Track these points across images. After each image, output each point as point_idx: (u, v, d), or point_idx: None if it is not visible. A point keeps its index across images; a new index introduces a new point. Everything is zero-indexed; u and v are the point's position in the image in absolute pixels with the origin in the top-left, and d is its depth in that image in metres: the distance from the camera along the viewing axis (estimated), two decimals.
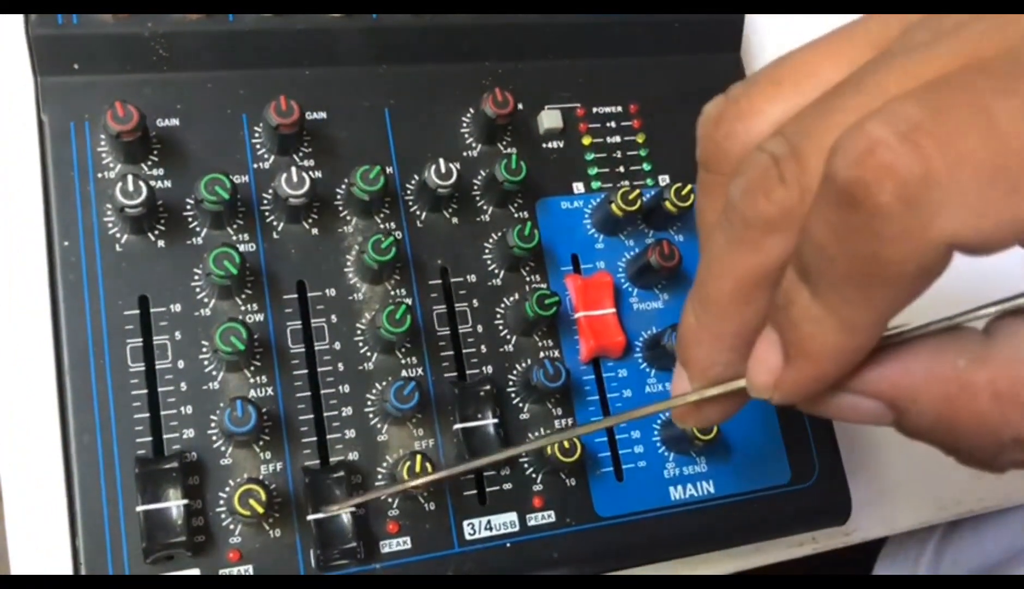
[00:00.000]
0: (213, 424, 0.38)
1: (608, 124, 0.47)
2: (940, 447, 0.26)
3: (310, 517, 0.37)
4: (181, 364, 0.38)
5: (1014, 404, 0.23)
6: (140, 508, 0.35)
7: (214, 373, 0.38)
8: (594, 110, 0.46)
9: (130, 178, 0.37)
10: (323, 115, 0.42)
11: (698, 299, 0.27)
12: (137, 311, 0.38)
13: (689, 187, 0.44)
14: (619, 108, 0.47)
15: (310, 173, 0.40)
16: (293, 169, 0.39)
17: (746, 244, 0.25)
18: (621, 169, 0.46)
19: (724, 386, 0.28)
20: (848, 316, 0.23)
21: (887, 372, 0.24)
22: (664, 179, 0.47)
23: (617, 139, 0.46)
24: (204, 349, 0.38)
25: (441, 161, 0.41)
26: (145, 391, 0.37)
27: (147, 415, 0.37)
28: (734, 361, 0.27)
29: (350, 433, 0.39)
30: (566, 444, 0.39)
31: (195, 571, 0.36)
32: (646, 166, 0.47)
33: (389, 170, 0.42)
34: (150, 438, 0.37)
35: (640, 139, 0.47)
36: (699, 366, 0.28)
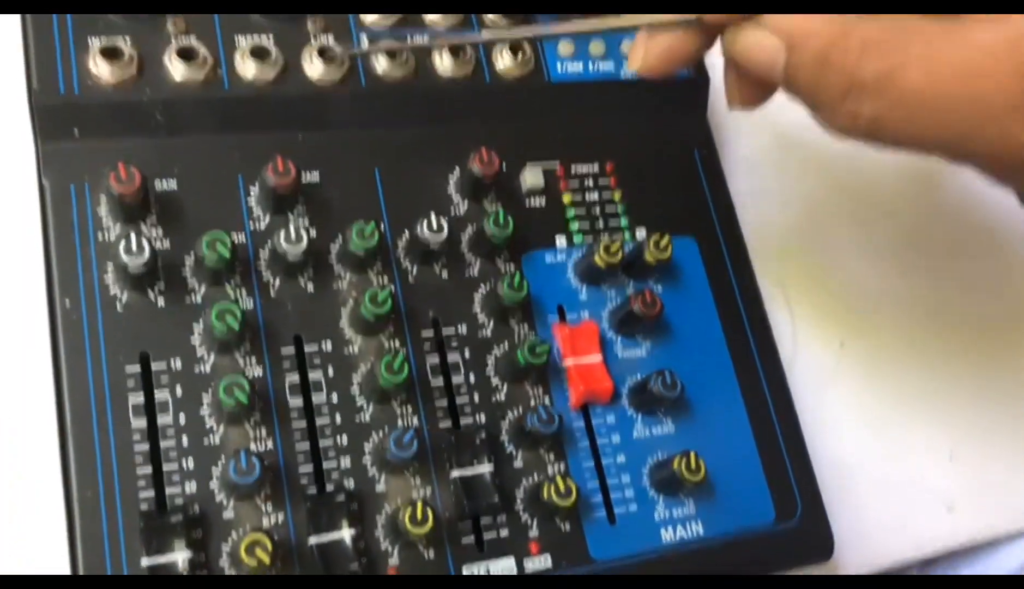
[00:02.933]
0: (215, 477, 0.38)
1: (586, 182, 0.49)
2: (806, 93, 0.32)
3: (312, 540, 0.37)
4: (182, 419, 0.38)
5: (875, 52, 0.29)
6: (146, 562, 0.35)
7: (215, 427, 0.39)
8: (573, 169, 0.49)
9: (133, 237, 0.38)
10: (316, 176, 0.44)
11: None
12: (138, 368, 0.39)
13: (667, 238, 0.46)
14: (596, 167, 0.49)
15: (306, 231, 0.41)
16: (291, 226, 0.40)
17: None
18: (601, 224, 0.48)
19: (675, 16, 0.34)
20: None
21: (796, 17, 0.31)
22: (641, 232, 0.49)
23: (595, 196, 0.49)
24: (205, 404, 0.39)
25: (432, 216, 0.42)
26: (147, 446, 0.38)
27: (149, 470, 0.37)
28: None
29: (349, 483, 0.40)
30: (561, 487, 0.40)
31: None
32: (623, 221, 0.49)
33: (382, 226, 0.43)
34: (152, 493, 0.37)
35: (617, 196, 0.49)
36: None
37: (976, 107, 0.29)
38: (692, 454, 0.43)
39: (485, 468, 0.41)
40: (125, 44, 0.41)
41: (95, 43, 0.41)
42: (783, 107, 0.37)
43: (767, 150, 0.59)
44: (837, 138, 0.33)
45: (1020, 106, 0.29)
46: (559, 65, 0.49)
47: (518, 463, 0.43)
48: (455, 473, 0.41)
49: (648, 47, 0.35)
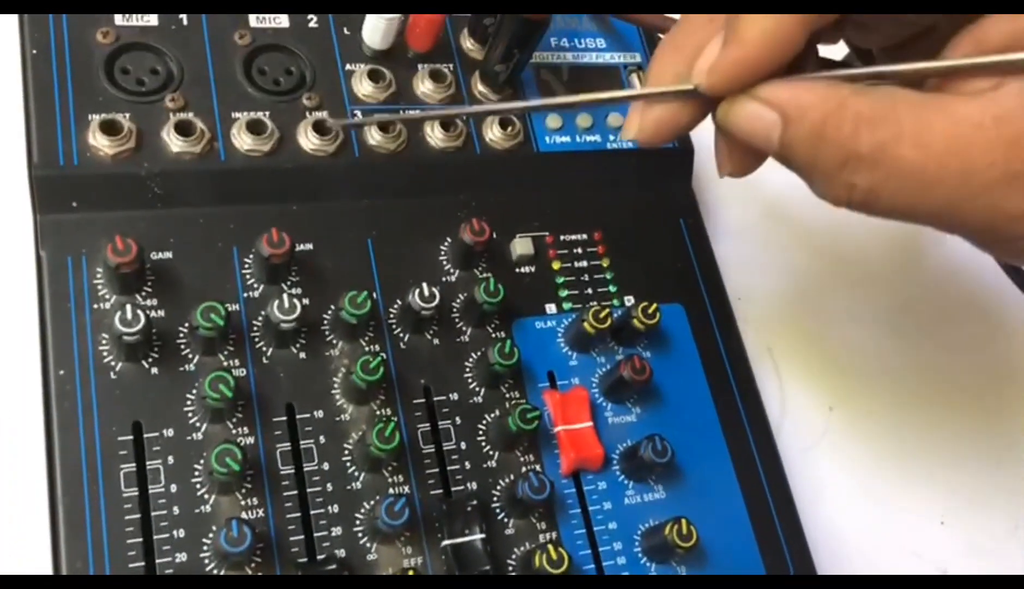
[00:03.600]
0: (206, 547, 0.38)
1: (575, 250, 0.50)
2: (801, 165, 0.32)
3: None
4: (174, 488, 0.38)
5: (869, 126, 0.30)
6: None
7: (206, 496, 0.39)
8: (561, 238, 0.50)
9: (128, 307, 0.38)
10: (310, 246, 0.44)
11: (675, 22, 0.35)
12: (131, 437, 0.39)
13: (655, 306, 0.47)
14: (584, 236, 0.50)
15: (299, 300, 0.41)
16: (284, 295, 0.41)
17: None
18: (589, 291, 0.49)
19: (668, 86, 0.34)
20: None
21: (791, 86, 0.32)
22: (629, 299, 0.49)
23: (584, 264, 0.49)
24: (196, 473, 0.39)
25: (424, 285, 0.43)
26: (138, 516, 0.38)
27: (140, 540, 0.37)
28: (683, 75, 0.34)
29: (340, 552, 0.40)
30: (553, 555, 0.40)
31: None
32: (612, 288, 0.49)
33: (374, 295, 0.44)
34: (143, 563, 0.37)
35: (605, 263, 0.50)
36: (655, 73, 0.35)
37: (966, 179, 0.30)
38: (684, 521, 0.43)
39: (477, 536, 0.41)
40: (124, 119, 0.42)
41: (95, 118, 0.42)
42: (767, 175, 0.38)
43: (752, 218, 0.60)
44: (831, 207, 0.34)
45: (1007, 179, 0.30)
46: (547, 137, 0.50)
47: (510, 531, 0.43)
48: (447, 541, 0.41)
49: (643, 116, 0.35)
